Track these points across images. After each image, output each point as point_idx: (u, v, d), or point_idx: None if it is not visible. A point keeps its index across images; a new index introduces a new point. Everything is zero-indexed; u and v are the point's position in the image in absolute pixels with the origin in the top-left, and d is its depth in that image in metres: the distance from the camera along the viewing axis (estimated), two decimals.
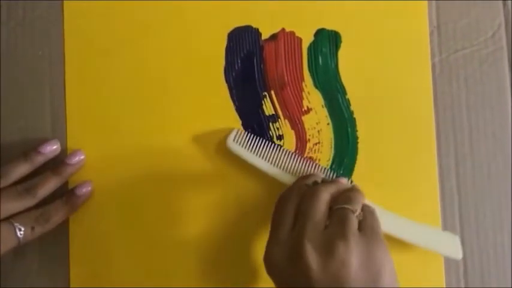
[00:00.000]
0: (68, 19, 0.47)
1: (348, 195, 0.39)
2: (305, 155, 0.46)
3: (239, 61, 0.47)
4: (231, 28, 0.47)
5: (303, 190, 0.40)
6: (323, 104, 0.47)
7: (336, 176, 0.45)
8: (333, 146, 0.46)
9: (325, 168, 0.45)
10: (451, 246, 0.44)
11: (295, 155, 0.45)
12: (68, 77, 0.46)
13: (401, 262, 0.42)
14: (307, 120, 0.47)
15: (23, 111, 0.46)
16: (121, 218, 0.45)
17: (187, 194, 0.45)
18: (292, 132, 0.47)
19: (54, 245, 0.45)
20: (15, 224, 0.41)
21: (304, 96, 0.47)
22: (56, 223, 0.43)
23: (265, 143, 0.45)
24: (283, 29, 0.47)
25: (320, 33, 0.47)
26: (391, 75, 0.46)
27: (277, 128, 0.47)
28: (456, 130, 0.46)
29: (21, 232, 0.41)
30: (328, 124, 0.47)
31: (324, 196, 0.38)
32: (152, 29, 0.47)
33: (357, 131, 0.47)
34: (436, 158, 0.46)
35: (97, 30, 0.47)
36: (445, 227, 0.45)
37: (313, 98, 0.47)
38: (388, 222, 0.43)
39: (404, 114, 0.46)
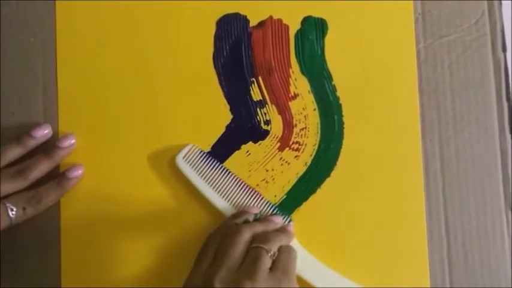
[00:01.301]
0: (60, 6, 0.48)
1: (267, 234, 0.40)
2: (292, 140, 0.47)
3: (227, 48, 0.48)
4: (219, 15, 0.48)
5: (229, 229, 0.41)
6: (309, 89, 0.48)
7: (274, 212, 0.45)
8: (319, 131, 0.47)
9: (268, 203, 0.46)
10: None
11: (243, 185, 0.46)
12: (59, 63, 0.47)
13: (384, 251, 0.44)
14: (294, 106, 0.48)
15: (16, 96, 0.47)
16: (111, 200, 0.46)
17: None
18: (279, 117, 0.47)
19: (45, 227, 0.46)
20: (8, 205, 0.42)
21: (291, 82, 0.48)
22: (47, 205, 0.44)
23: (217, 166, 0.46)
24: (270, 17, 0.48)
25: (307, 21, 0.48)
26: (377, 62, 0.47)
27: (265, 113, 0.47)
28: (440, 115, 0.47)
29: (13, 212, 0.42)
30: (314, 110, 0.48)
31: (245, 236, 0.40)
32: (142, 17, 0.48)
33: (342, 116, 0.47)
34: (421, 142, 0.46)
35: (89, 17, 0.48)
36: (430, 209, 0.46)
37: (300, 84, 0.48)
38: (314, 274, 0.44)
39: (389, 100, 0.47)
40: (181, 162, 0.45)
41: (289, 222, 0.45)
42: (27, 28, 0.47)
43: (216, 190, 0.45)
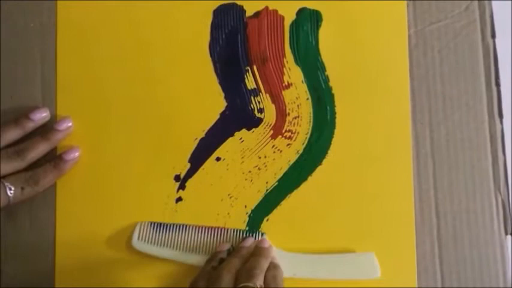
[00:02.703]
0: None
1: (248, 269, 0.41)
2: (285, 128, 0.48)
3: (224, 36, 0.49)
4: (216, 5, 0.49)
5: (208, 274, 0.42)
6: (303, 79, 0.49)
7: (244, 236, 0.46)
8: (311, 120, 0.48)
9: (234, 231, 0.47)
10: (370, 267, 0.46)
11: (204, 229, 0.46)
12: (59, 48, 0.48)
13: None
14: (288, 95, 0.49)
15: (15, 80, 0.48)
16: (106, 184, 0.47)
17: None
18: (273, 106, 0.48)
19: (42, 207, 0.47)
20: (6, 184, 0.43)
21: (285, 71, 0.49)
22: (45, 186, 0.45)
23: (171, 227, 0.46)
24: (266, 7, 0.49)
25: (302, 12, 0.49)
26: (370, 51, 0.48)
27: (259, 102, 0.48)
28: (431, 99, 0.48)
29: (12, 191, 0.43)
30: (307, 99, 0.49)
31: (227, 278, 0.40)
32: (141, 4, 0.49)
33: (335, 106, 0.48)
34: (411, 126, 0.47)
35: (88, 4, 0.49)
36: (420, 192, 0.47)
37: (293, 73, 0.49)
38: (299, 267, 0.45)
39: (381, 86, 0.48)
40: (137, 244, 0.46)
41: (262, 236, 0.46)
42: (27, 13, 0.48)
43: (183, 250, 0.46)
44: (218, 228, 0.47)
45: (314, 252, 0.46)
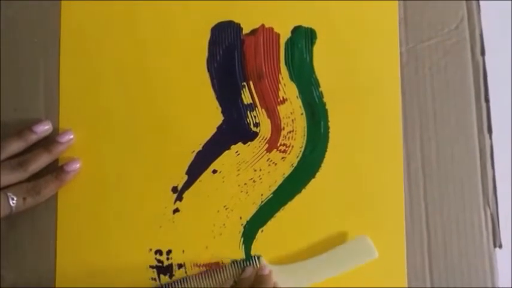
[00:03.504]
0: (65, 6, 0.50)
1: None
2: (280, 142, 0.50)
3: (221, 53, 0.50)
4: (214, 23, 0.51)
5: None
6: (298, 95, 0.50)
7: (243, 267, 0.47)
8: (305, 134, 0.50)
9: (232, 265, 0.48)
10: (365, 250, 0.47)
11: (203, 275, 0.47)
12: (62, 63, 0.50)
13: None
14: (283, 110, 0.50)
15: (18, 92, 0.49)
16: (106, 194, 0.49)
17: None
18: (268, 120, 0.50)
19: (44, 218, 0.48)
20: (9, 194, 0.44)
21: (281, 87, 0.50)
22: (46, 196, 0.47)
23: (173, 285, 0.47)
24: (262, 25, 0.51)
25: (297, 30, 0.51)
26: (362, 67, 0.50)
27: (254, 116, 0.50)
28: (422, 115, 0.49)
29: (14, 201, 0.44)
30: (302, 114, 0.50)
31: None
32: (143, 21, 0.50)
33: (328, 121, 0.50)
34: (402, 141, 0.49)
35: (92, 19, 0.50)
36: (411, 207, 0.48)
37: (288, 89, 0.50)
38: (301, 275, 0.47)
39: (373, 101, 0.50)
40: None
41: (259, 260, 0.47)
42: (30, 27, 0.50)
43: None
44: (216, 268, 0.48)
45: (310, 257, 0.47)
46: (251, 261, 0.48)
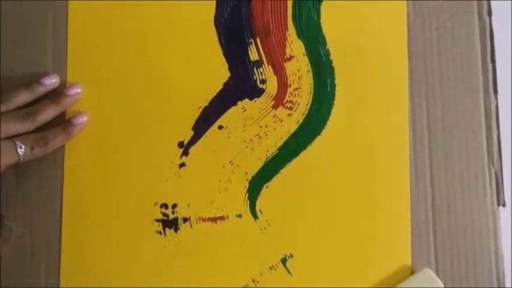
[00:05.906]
0: None
1: None
2: (286, 99, 0.50)
3: (228, 10, 0.51)
4: None
5: None
6: (304, 52, 0.50)
7: None
8: (312, 91, 0.50)
9: None
10: (431, 283, 0.47)
11: None
12: (70, 17, 0.50)
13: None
14: (289, 67, 0.50)
15: (26, 46, 0.50)
16: (112, 148, 0.49)
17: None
18: (275, 77, 0.50)
19: (51, 171, 0.49)
20: (17, 142, 0.45)
21: (287, 44, 0.50)
22: (53, 147, 0.47)
23: None
24: None
25: None
26: (369, 25, 0.50)
27: (261, 73, 0.50)
28: (428, 75, 0.49)
29: (22, 150, 0.45)
30: (308, 71, 0.50)
31: None
32: None
33: (335, 79, 0.50)
34: (408, 100, 0.49)
35: None
36: (416, 163, 0.49)
37: (295, 46, 0.50)
38: None
39: (380, 61, 0.50)
40: None
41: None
42: None
43: None
44: None
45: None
46: None
